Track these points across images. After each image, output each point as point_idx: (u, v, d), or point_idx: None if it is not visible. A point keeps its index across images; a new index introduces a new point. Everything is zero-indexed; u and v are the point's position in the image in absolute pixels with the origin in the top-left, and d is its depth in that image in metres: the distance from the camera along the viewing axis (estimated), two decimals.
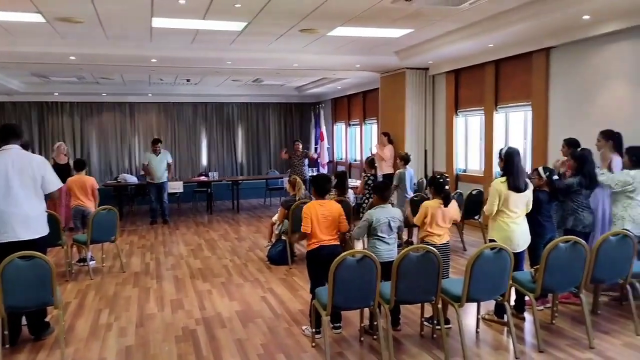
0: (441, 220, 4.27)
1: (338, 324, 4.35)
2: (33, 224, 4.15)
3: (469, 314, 4.57)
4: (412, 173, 7.57)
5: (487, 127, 8.76)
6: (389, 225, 4.19)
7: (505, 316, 4.09)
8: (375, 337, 4.07)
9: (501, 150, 4.45)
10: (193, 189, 12.38)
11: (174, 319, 4.73)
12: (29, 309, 4.02)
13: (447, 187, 4.33)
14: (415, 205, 6.88)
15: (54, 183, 4.35)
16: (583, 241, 3.90)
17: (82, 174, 6.98)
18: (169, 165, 10.12)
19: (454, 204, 4.36)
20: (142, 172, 11.01)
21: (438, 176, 4.41)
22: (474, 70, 8.99)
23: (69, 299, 5.39)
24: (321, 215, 4.17)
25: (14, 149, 4.19)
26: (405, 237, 7.16)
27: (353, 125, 14.64)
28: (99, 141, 15.47)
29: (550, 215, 4.69)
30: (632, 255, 4.14)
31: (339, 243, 4.25)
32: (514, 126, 8.45)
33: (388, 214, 4.22)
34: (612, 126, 5.50)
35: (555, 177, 4.70)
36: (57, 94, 14.12)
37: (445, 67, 9.64)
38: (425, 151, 10.41)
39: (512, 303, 4.50)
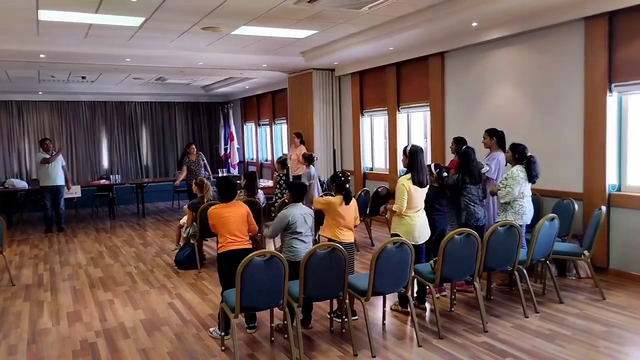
0: (342, 218, 4.38)
1: (252, 324, 4.33)
2: None
3: (376, 306, 4.74)
4: (313, 172, 7.69)
5: (390, 126, 9.12)
6: (305, 222, 4.23)
7: (408, 306, 4.29)
8: (285, 336, 4.09)
9: (405, 147, 4.66)
10: (93, 193, 11.67)
11: (71, 333, 4.43)
12: None
13: (347, 185, 4.45)
14: None
15: None
16: (475, 232, 4.19)
17: None
18: (63, 168, 9.45)
19: (353, 204, 4.49)
20: (35, 176, 10.18)
21: (340, 174, 4.53)
22: (378, 72, 9.32)
23: None
24: (227, 216, 4.12)
25: None
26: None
27: (263, 125, 14.59)
28: None
29: (440, 209, 4.97)
30: (518, 244, 4.51)
31: (250, 245, 4.21)
32: (415, 126, 8.88)
33: (302, 211, 4.26)
34: (499, 125, 5.96)
35: (445, 174, 5.00)
36: None
37: (350, 69, 9.91)
38: (334, 150, 10.63)
39: (415, 294, 4.73)
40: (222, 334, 4.10)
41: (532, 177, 5.00)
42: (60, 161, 9.44)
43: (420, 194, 4.50)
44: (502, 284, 5.37)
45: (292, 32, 7.59)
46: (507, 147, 5.36)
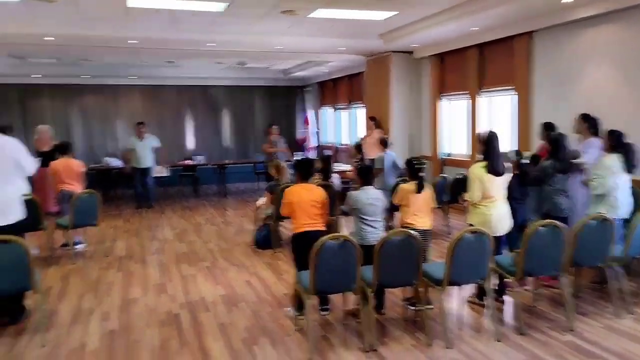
0: (415, 205, 4.30)
1: (326, 307, 4.39)
2: (9, 209, 4.09)
3: (452, 297, 4.63)
4: (394, 156, 7.57)
5: (471, 111, 8.78)
6: (373, 207, 4.21)
7: (486, 299, 4.15)
8: (358, 320, 4.11)
9: (479, 133, 4.47)
10: (179, 173, 12.29)
11: (157, 304, 4.72)
12: (7, 294, 3.98)
13: (421, 173, 4.33)
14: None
15: (30, 166, 4.29)
16: (563, 225, 3.95)
17: (67, 158, 6.87)
18: (157, 149, 9.98)
19: (427, 191, 4.38)
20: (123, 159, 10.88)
21: (415, 161, 4.42)
22: (458, 54, 8.97)
23: (51, 284, 5.35)
24: (306, 199, 4.17)
25: None
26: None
27: (340, 109, 14.60)
28: (82, 125, 15.23)
29: (522, 199, 4.74)
30: (611, 239, 4.20)
31: (324, 228, 4.24)
32: (499, 110, 8.49)
33: (370, 195, 4.23)
34: (593, 110, 5.55)
35: (525, 160, 4.73)
36: (37, 75, 13.83)
37: (429, 51, 9.62)
38: (410, 135, 10.43)
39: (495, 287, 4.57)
40: (296, 314, 4.20)
41: (630, 166, 4.62)
42: (149, 146, 9.99)
43: (497, 183, 4.29)
44: (593, 281, 5.03)
45: (371, 14, 7.47)
46: (602, 133, 4.99)
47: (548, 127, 5.78)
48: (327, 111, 15.52)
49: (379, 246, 3.65)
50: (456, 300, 4.45)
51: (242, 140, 16.78)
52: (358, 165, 7.45)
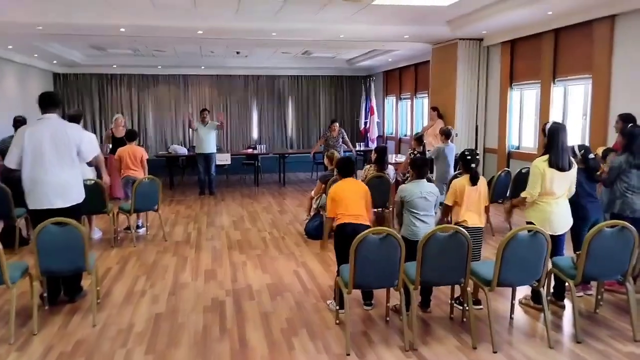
0: (470, 200, 4.06)
1: (369, 302, 4.27)
2: (68, 192, 4.28)
3: (505, 297, 4.36)
4: (454, 149, 7.24)
5: (543, 101, 8.23)
6: (426, 201, 4.02)
7: (542, 302, 3.86)
8: (401, 317, 3.95)
9: (545, 125, 4.14)
10: (242, 161, 12.53)
11: (205, 289, 4.81)
12: (63, 274, 4.20)
13: (473, 164, 4.09)
14: None
15: (90, 151, 4.47)
16: (632, 227, 3.57)
17: (133, 144, 7.19)
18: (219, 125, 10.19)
19: (481, 185, 4.12)
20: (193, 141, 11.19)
21: (467, 153, 4.18)
22: (532, 40, 8.43)
23: (111, 265, 5.60)
24: (348, 191, 4.07)
25: (51, 119, 4.32)
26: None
27: (404, 99, 14.25)
28: (155, 113, 15.93)
29: (593, 195, 4.35)
30: None
31: (367, 222, 4.12)
32: (573, 101, 7.90)
33: (423, 189, 4.05)
34: None
35: (592, 155, 4.34)
36: (115, 66, 14.58)
37: (500, 38, 9.11)
38: (477, 126, 9.97)
39: (552, 290, 4.25)
40: (337, 307, 4.11)
41: None
42: (212, 131, 10.23)
43: (560, 179, 3.95)
44: None
45: (435, 0, 7.18)
46: None
47: (626, 119, 5.28)
48: (392, 101, 15.21)
49: (423, 242, 3.47)
50: (509, 302, 4.16)
51: (306, 130, 16.84)
52: (413, 157, 7.28)
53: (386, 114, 15.70)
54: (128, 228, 6.92)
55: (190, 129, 10.29)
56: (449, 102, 10.06)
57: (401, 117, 14.55)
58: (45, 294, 4.30)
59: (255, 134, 16.60)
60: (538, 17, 7.58)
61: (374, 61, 14.12)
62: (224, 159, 11.20)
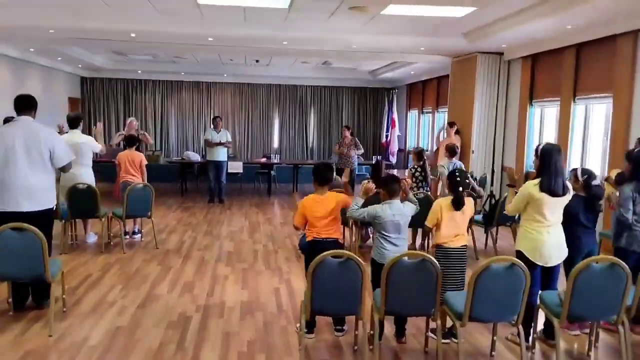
0: (453, 222, 3.75)
1: (340, 327, 3.98)
2: (37, 195, 4.17)
3: (489, 331, 3.99)
4: (460, 167, 6.86)
5: (562, 120, 7.78)
6: (397, 223, 3.73)
7: (531, 339, 3.51)
8: (371, 347, 3.66)
9: (538, 146, 3.80)
10: (256, 170, 12.41)
11: (176, 303, 4.62)
12: (22, 280, 4.07)
13: (461, 188, 3.77)
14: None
15: (63, 158, 4.35)
16: (623, 263, 3.18)
17: (132, 150, 7.12)
18: (225, 144, 10.05)
19: (469, 206, 3.80)
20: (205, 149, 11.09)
21: (457, 173, 3.87)
22: (553, 55, 8.01)
23: (93, 271, 5.49)
24: (316, 212, 3.83)
25: (24, 121, 4.23)
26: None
27: (426, 112, 13.89)
28: (177, 119, 16.06)
29: (588, 225, 3.97)
30: None
31: (337, 237, 3.88)
32: (595, 120, 7.41)
33: (396, 211, 3.76)
34: None
35: (596, 182, 3.95)
36: (140, 72, 14.79)
37: (521, 52, 8.71)
38: (494, 144, 9.54)
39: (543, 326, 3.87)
40: (305, 331, 3.85)
41: None
42: (225, 139, 10.11)
43: (553, 205, 3.60)
44: None
45: (447, 10, 6.87)
46: None
47: None
48: (414, 114, 14.85)
49: (387, 269, 3.18)
50: (492, 337, 3.80)
51: (327, 140, 16.64)
52: (416, 172, 6.96)
53: (409, 128, 15.35)
54: (126, 233, 6.84)
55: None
56: (466, 118, 9.68)
57: (423, 131, 14.17)
58: (10, 300, 4.19)
59: (275, 143, 16.51)
60: (557, 30, 7.18)
61: (397, 73, 13.85)
62: (237, 167, 11.10)
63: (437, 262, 3.20)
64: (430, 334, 3.78)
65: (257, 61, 13.10)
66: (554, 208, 3.63)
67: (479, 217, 6.57)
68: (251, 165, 12.25)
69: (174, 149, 15.91)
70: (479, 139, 9.48)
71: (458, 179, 3.81)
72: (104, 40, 9.41)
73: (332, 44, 9.14)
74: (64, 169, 4.48)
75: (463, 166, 6.94)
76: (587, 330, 4.01)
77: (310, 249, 3.84)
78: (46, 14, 7.42)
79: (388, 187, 3.81)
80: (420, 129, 14.27)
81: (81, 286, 4.99)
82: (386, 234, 3.73)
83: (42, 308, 4.30)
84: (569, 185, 3.72)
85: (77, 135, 6.50)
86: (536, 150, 3.80)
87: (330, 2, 6.59)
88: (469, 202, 3.85)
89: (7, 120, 5.89)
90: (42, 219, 4.16)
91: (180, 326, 4.09)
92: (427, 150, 13.59)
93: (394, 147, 14.64)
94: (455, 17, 7.20)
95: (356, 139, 10.41)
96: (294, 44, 9.05)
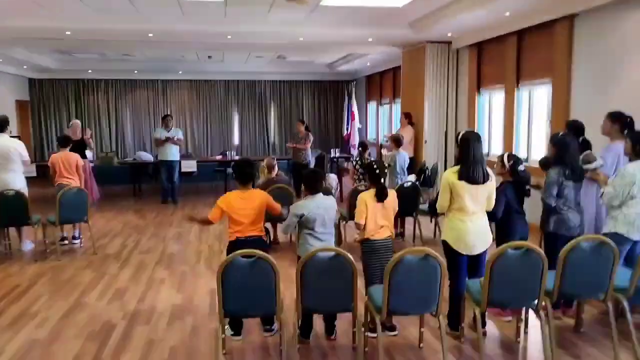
0: (378, 214, 3.67)
1: (269, 327, 3.85)
2: None
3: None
4: (405, 157, 6.83)
5: (508, 106, 7.83)
6: (322, 218, 3.63)
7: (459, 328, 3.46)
8: (306, 342, 3.56)
9: (458, 134, 3.74)
10: (213, 168, 12.17)
11: (103, 311, 4.42)
12: None
13: (383, 178, 3.69)
14: (408, 192, 6.25)
15: None
16: (540, 251, 3.14)
17: (66, 151, 6.82)
18: (173, 140, 9.79)
19: (391, 199, 3.72)
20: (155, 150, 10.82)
21: (374, 163, 3.78)
22: (496, 42, 8.02)
23: (21, 282, 5.24)
24: (240, 209, 3.69)
25: None
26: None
27: (384, 104, 13.85)
28: (133, 118, 15.65)
29: (519, 211, 3.95)
30: (612, 266, 3.32)
31: (260, 234, 3.76)
32: (539, 105, 7.46)
33: (321, 205, 3.65)
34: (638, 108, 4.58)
35: (522, 167, 3.93)
36: (90, 71, 14.33)
37: (467, 40, 8.71)
38: (446, 133, 9.54)
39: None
40: (232, 333, 3.73)
41: None
42: (175, 137, 9.85)
43: (474, 193, 3.55)
44: (602, 312, 4.11)
45: (385, 0, 6.81)
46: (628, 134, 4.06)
47: (572, 127, 4.86)
48: (374, 106, 14.81)
49: (300, 265, 3.07)
50: (419, 328, 3.72)
51: (288, 136, 16.42)
52: (356, 164, 6.89)
53: (368, 119, 15.31)
54: (64, 239, 6.58)
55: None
56: (418, 108, 9.66)
57: (382, 122, 14.14)
58: None
59: (236, 140, 16.26)
60: (497, 18, 7.19)
61: (354, 65, 13.78)
62: (190, 166, 10.84)
63: (350, 257, 3.10)
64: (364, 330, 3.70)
65: (209, 57, 12.82)
66: (475, 196, 3.57)
67: (424, 207, 6.53)
68: (208, 163, 12.02)
69: (131, 150, 15.49)
70: (431, 129, 9.48)
71: (377, 171, 3.72)
72: (39, 40, 9.03)
73: (278, 37, 8.97)
74: None
75: (407, 157, 6.90)
76: (509, 318, 4.00)
77: (233, 249, 3.68)
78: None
79: (309, 185, 3.70)
80: (379, 121, 14.23)
81: (5, 298, 4.75)
82: (311, 229, 3.62)
83: None
84: (491, 172, 3.66)
85: (4, 139, 6.22)
86: (456, 139, 3.74)
87: None
88: (391, 193, 3.77)
89: None
90: None
91: (100, 337, 3.91)
92: (387, 142, 13.64)
93: (355, 139, 14.55)
94: (396, 6, 7.14)
95: (308, 132, 10.24)
96: (239, 37, 8.85)
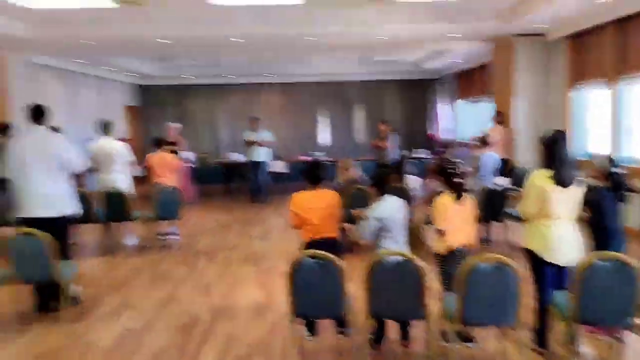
0: (455, 219, 3.55)
1: (342, 329, 3.88)
2: (52, 202, 4.36)
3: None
4: (494, 158, 6.51)
5: (610, 102, 7.21)
6: (396, 218, 3.59)
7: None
8: (371, 351, 3.55)
9: (543, 135, 3.52)
10: (301, 168, 12.41)
11: (191, 305, 4.70)
12: (36, 282, 4.29)
13: (457, 178, 3.56)
14: (496, 196, 6.00)
15: (75, 163, 4.52)
16: (632, 261, 2.88)
17: (162, 152, 7.32)
18: (258, 142, 10.12)
19: (468, 201, 3.58)
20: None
21: (448, 163, 3.65)
22: (596, 32, 7.41)
23: (121, 274, 5.72)
24: (312, 208, 3.74)
25: (33, 131, 4.43)
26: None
27: (474, 102, 13.34)
28: (227, 121, 16.43)
29: (615, 220, 3.62)
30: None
31: (334, 236, 3.79)
32: None
33: (394, 204, 3.61)
34: None
35: (617, 170, 3.60)
36: (190, 77, 15.26)
37: (563, 31, 8.13)
38: (540, 132, 8.97)
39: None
40: (307, 334, 3.81)
41: None
42: (262, 138, 10.21)
43: (562, 197, 3.32)
44: None
45: None
46: None
47: None
48: (462, 105, 14.31)
49: (368, 269, 3.07)
50: (500, 341, 3.55)
51: (374, 136, 16.37)
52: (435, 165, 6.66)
53: (457, 118, 14.81)
54: (161, 235, 7.08)
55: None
56: (509, 106, 9.19)
57: (471, 121, 13.62)
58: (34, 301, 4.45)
59: (323, 141, 16.48)
60: (595, 5, 6.65)
61: (441, 62, 13.40)
62: (279, 166, 11.20)
63: (420, 262, 3.04)
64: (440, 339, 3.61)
65: (296, 60, 13.10)
66: (565, 201, 3.34)
67: (514, 211, 6.20)
68: (298, 164, 12.31)
69: (225, 151, 16.25)
70: (522, 128, 8.99)
71: (451, 169, 3.59)
72: (138, 49, 9.76)
73: (358, 37, 8.94)
74: (77, 174, 4.65)
75: (496, 158, 6.58)
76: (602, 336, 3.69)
77: (305, 249, 3.75)
78: (84, 26, 7.74)
79: (377, 184, 3.67)
80: (468, 119, 13.73)
81: (108, 288, 5.21)
82: (390, 233, 3.59)
83: (56, 309, 4.43)
84: (581, 176, 3.41)
85: (108, 142, 6.79)
86: (541, 140, 3.52)
87: None
88: (469, 195, 3.63)
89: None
90: (58, 224, 4.36)
91: (188, 329, 4.16)
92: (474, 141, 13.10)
93: (441, 139, 14.19)
94: None
95: (391, 132, 10.14)
96: (321, 39, 8.94)
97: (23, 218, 4.38)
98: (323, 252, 3.14)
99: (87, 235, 7.00)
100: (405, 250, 3.61)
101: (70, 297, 4.58)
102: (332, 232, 3.82)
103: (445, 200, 3.63)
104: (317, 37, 8.81)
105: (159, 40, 8.56)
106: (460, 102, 14.58)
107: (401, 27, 8.29)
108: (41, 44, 8.66)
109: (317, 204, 3.77)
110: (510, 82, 9.05)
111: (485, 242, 6.29)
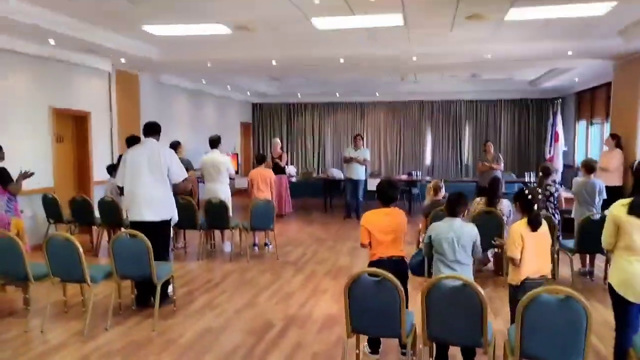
0: (530, 247, 3.37)
1: (404, 350, 3.84)
2: (155, 206, 4.88)
3: None
4: (599, 185, 5.95)
5: None
6: (456, 245, 3.50)
7: None
8: None
9: (634, 162, 3.23)
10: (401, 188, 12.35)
11: (268, 311, 4.93)
12: (135, 279, 4.78)
13: (535, 206, 3.38)
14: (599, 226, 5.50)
15: (178, 174, 5.02)
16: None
17: (262, 167, 7.81)
18: (356, 159, 10.25)
19: (544, 229, 3.37)
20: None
21: (527, 192, 3.47)
22: None
23: (214, 277, 6.16)
24: (382, 226, 3.77)
25: (149, 142, 5.03)
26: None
27: (595, 123, 12.30)
28: (333, 137, 16.87)
29: None
30: None
31: (401, 255, 3.78)
32: None
33: (454, 230, 3.53)
34: None
35: None
36: (299, 95, 15.96)
37: None
38: None
39: None
40: (369, 351, 3.82)
41: None
42: (362, 156, 10.34)
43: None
44: None
45: (581, 9, 6.17)
46: None
47: None
48: (582, 126, 13.24)
49: (425, 291, 3.02)
50: None
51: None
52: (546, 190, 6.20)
53: (577, 141, 13.73)
54: (255, 245, 7.49)
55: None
56: (631, 129, 8.36)
57: (592, 144, 12.56)
58: (134, 296, 4.97)
59: (428, 161, 16.22)
60: None
61: (559, 81, 12.56)
62: (373, 184, 11.21)
63: (479, 288, 2.93)
64: None
65: (402, 79, 13.10)
66: None
67: None
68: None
69: (329, 167, 16.70)
70: None
71: (529, 196, 3.42)
72: (252, 69, 10.45)
73: (463, 56, 8.76)
74: (179, 186, 5.15)
75: (603, 185, 6.03)
76: None
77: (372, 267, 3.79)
78: (204, 50, 8.54)
79: (450, 208, 3.61)
80: (589, 142, 12.68)
81: (200, 289, 5.65)
82: (441, 255, 3.53)
83: (152, 305, 4.86)
84: None
85: (216, 154, 7.39)
86: (631, 167, 3.23)
87: (443, 16, 6.46)
88: (544, 225, 3.43)
89: (131, 138, 6.78)
90: (159, 228, 4.87)
91: (259, 334, 4.38)
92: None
93: (559, 163, 13.21)
94: (597, 15, 6.39)
95: (499, 154, 9.73)
96: (424, 58, 8.90)
97: (130, 221, 4.96)
98: (382, 271, 3.15)
99: (194, 239, 7.61)
100: (465, 274, 3.50)
101: (165, 295, 5.04)
102: (398, 251, 3.82)
103: (521, 228, 3.46)
104: (422, 57, 8.78)
105: (271, 61, 9.11)
106: (579, 124, 13.53)
107: (510, 46, 8.03)
108: (168, 66, 9.69)
109: (387, 223, 3.80)
110: (634, 103, 8.24)
111: (584, 275, 5.82)
